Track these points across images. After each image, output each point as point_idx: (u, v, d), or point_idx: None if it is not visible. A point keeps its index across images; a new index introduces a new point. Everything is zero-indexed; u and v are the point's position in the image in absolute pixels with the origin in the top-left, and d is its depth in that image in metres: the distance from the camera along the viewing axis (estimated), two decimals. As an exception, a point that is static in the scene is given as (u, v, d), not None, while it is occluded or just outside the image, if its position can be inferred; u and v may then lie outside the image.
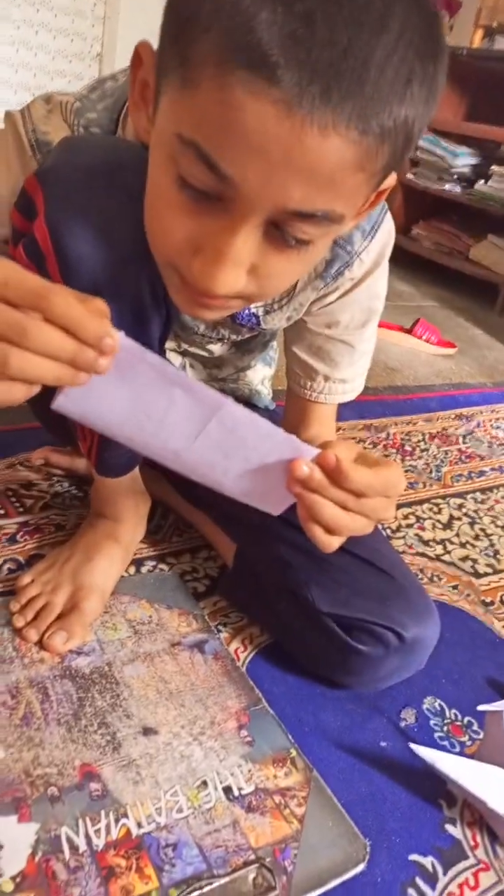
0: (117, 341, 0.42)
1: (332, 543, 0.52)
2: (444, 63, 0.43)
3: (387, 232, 0.70)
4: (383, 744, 0.70)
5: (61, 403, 0.47)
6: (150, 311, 0.62)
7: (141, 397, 0.47)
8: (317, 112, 0.39)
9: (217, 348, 0.83)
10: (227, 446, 0.50)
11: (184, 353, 0.86)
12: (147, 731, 0.66)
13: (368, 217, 0.66)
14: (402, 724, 0.73)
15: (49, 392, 0.82)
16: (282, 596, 0.74)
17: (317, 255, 0.54)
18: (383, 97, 0.40)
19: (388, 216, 0.70)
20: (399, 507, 1.15)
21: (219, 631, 0.80)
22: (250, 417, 0.49)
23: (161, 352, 0.71)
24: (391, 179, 0.51)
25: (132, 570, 0.87)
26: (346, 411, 1.49)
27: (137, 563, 0.88)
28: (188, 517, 0.97)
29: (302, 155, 0.40)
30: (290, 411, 0.82)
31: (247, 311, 0.73)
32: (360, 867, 0.58)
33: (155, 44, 0.48)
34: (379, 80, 0.39)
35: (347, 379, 0.77)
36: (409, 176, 2.91)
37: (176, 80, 0.43)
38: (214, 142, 0.42)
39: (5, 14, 3.16)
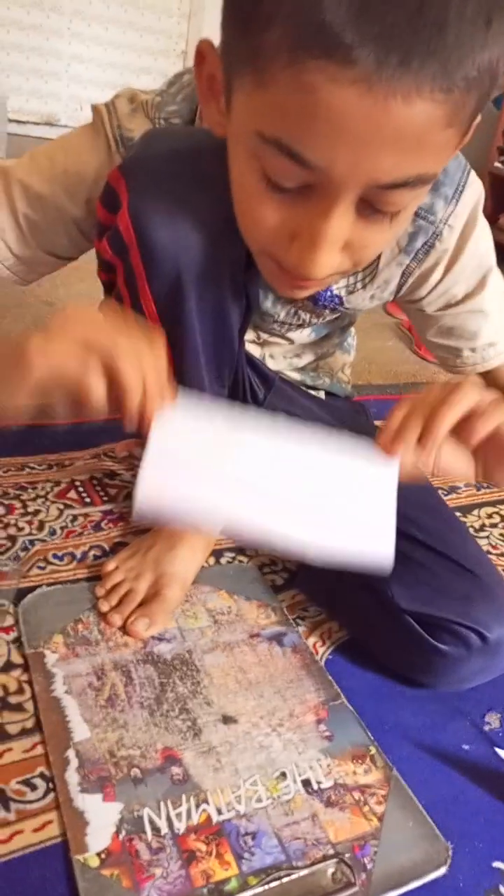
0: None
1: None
2: None
3: (473, 192, 0.66)
4: (466, 747, 0.69)
5: (140, 509, 0.47)
6: (228, 300, 0.62)
7: (210, 458, 0.47)
8: (398, 82, 0.38)
9: (297, 335, 0.82)
10: (309, 479, 0.49)
11: (263, 344, 0.86)
12: (227, 720, 0.66)
13: (450, 181, 0.64)
14: (486, 727, 0.71)
15: None
16: (361, 592, 0.73)
17: (408, 218, 0.53)
18: (464, 49, 0.38)
19: (472, 175, 0.66)
20: (482, 505, 1.12)
21: (297, 624, 0.80)
22: (318, 439, 0.49)
23: (241, 343, 0.71)
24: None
25: (211, 560, 0.88)
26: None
27: (216, 553, 0.89)
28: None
29: (388, 127, 0.39)
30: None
31: (328, 292, 0.72)
32: (442, 870, 0.57)
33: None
34: (459, 33, 0.37)
35: (496, 341, 0.73)
36: (497, 164, 2.81)
37: (248, 77, 0.43)
38: (297, 133, 0.41)
39: (96, 14, 3.24)
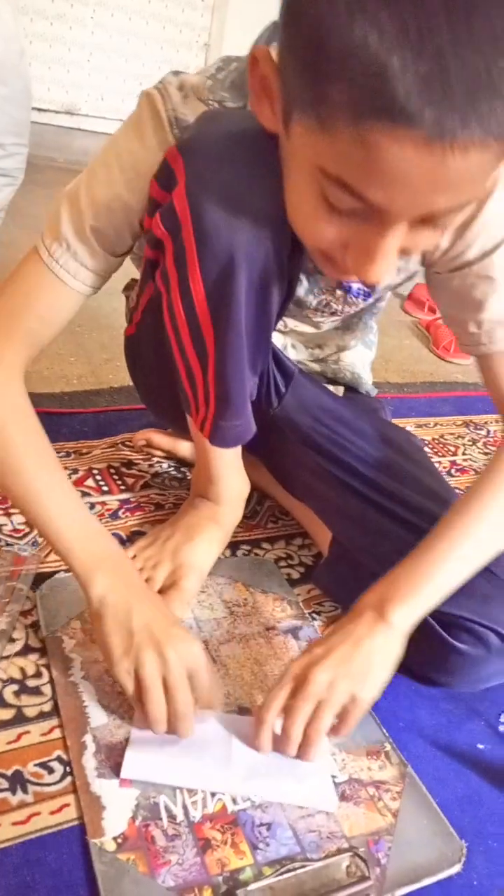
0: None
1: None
2: None
3: None
4: (481, 746, 0.68)
5: (127, 773, 0.59)
6: (273, 285, 0.62)
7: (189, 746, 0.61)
8: (458, 139, 0.40)
9: (325, 321, 0.83)
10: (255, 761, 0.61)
11: (286, 333, 0.86)
12: (242, 711, 0.67)
13: None
14: (502, 728, 0.71)
15: (155, 373, 0.84)
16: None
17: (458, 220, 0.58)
18: None
19: None
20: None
21: (313, 619, 0.80)
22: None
23: (274, 327, 0.71)
24: None
25: (228, 552, 0.88)
26: (444, 406, 1.46)
27: (233, 546, 0.89)
28: (285, 504, 0.98)
29: (445, 177, 0.42)
30: (483, 378, 0.76)
31: (356, 287, 0.74)
32: (456, 868, 0.57)
33: (260, 26, 0.51)
34: None
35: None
36: None
37: (309, 115, 0.44)
38: (359, 179, 0.44)
39: (120, 4, 3.24)
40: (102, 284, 0.72)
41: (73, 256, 0.68)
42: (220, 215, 0.56)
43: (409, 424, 1.34)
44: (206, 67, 0.66)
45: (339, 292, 0.76)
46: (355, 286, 0.75)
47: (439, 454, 1.26)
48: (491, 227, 0.68)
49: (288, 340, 0.89)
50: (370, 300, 0.79)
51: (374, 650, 0.61)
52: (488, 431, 1.37)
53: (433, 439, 1.31)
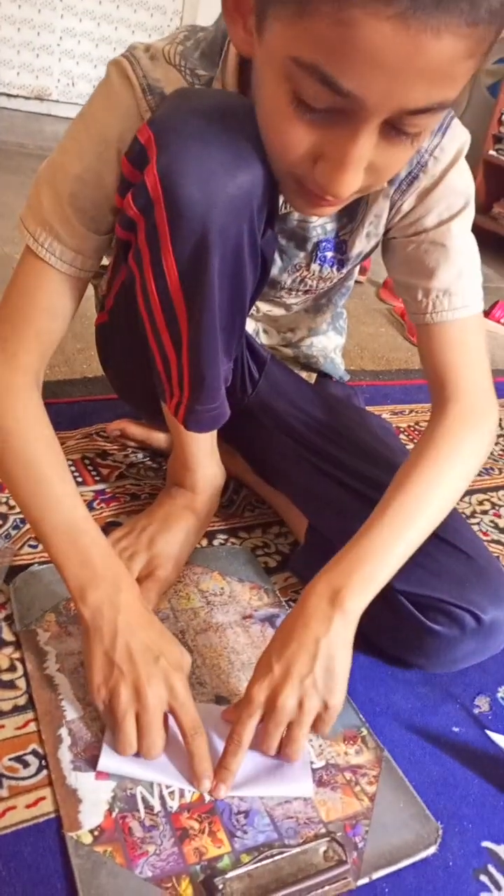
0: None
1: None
2: None
3: (460, 132, 0.67)
4: (456, 729, 0.69)
5: (103, 766, 0.59)
6: (246, 264, 0.62)
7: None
8: (430, 18, 0.41)
9: (297, 302, 0.83)
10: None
11: (258, 319, 0.86)
12: (220, 700, 0.67)
13: None
14: (476, 711, 0.72)
15: (129, 362, 0.83)
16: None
17: (426, 138, 0.60)
18: None
19: (456, 120, 0.67)
20: (474, 492, 1.13)
21: (290, 606, 0.80)
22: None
23: (249, 309, 0.70)
24: None
25: (204, 542, 0.87)
26: (419, 394, 1.47)
27: (210, 535, 0.89)
28: (261, 493, 0.98)
29: (419, 60, 0.43)
30: (420, 355, 0.76)
31: (330, 256, 0.74)
32: (432, 849, 0.57)
33: None
34: None
35: (451, 290, 0.70)
36: (492, 152, 2.81)
37: (283, 7, 0.45)
38: (335, 62, 0.44)
39: (88, -12, 3.18)
40: (97, 265, 0.70)
41: (57, 239, 0.66)
42: (193, 193, 0.56)
43: (384, 412, 1.34)
44: (172, 35, 0.65)
45: (313, 266, 0.76)
46: (329, 255, 0.75)
47: (414, 440, 1.27)
48: (450, 196, 0.69)
49: (259, 326, 0.89)
50: (344, 270, 0.79)
51: (333, 648, 0.60)
52: (463, 417, 1.38)
53: (408, 426, 1.31)
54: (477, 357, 0.73)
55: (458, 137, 0.67)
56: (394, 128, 0.48)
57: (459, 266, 0.71)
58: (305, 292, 0.80)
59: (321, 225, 0.72)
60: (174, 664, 0.60)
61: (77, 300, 0.71)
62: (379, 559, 0.63)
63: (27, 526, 0.84)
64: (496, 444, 1.30)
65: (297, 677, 0.58)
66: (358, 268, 0.85)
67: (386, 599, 0.70)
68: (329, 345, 0.95)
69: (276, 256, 0.74)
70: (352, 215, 0.72)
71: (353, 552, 0.64)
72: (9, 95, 3.26)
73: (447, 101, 0.47)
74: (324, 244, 0.74)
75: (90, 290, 0.84)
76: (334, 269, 0.77)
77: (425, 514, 0.66)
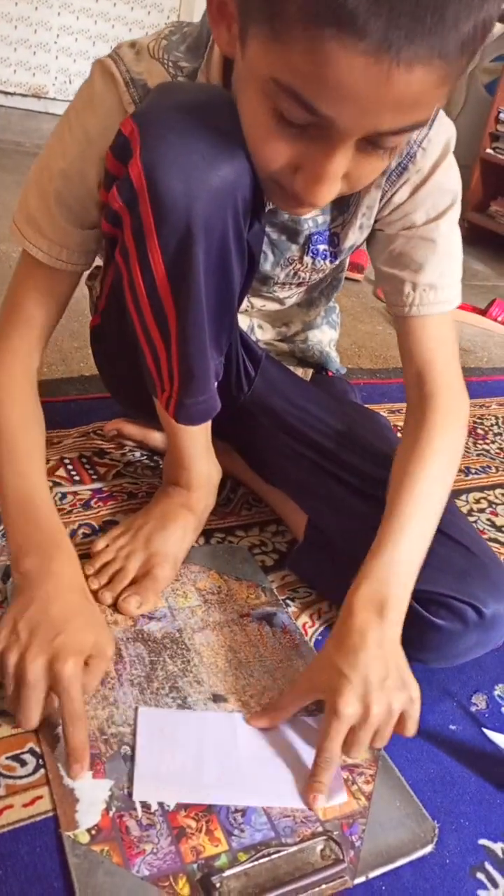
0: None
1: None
2: None
3: (447, 126, 0.69)
4: (452, 727, 0.69)
5: (139, 795, 0.57)
6: (232, 256, 0.62)
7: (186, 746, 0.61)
8: (402, 53, 0.42)
9: (291, 295, 0.83)
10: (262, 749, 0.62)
11: (252, 314, 0.86)
12: (217, 698, 0.67)
13: None
14: (473, 708, 0.72)
15: (122, 362, 0.83)
16: (354, 569, 0.73)
17: (401, 150, 0.63)
18: (461, 18, 0.42)
19: (442, 112, 0.68)
20: (470, 490, 1.13)
21: (287, 605, 0.80)
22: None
23: (240, 303, 0.71)
24: None
25: (202, 540, 0.87)
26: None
27: (206, 534, 0.89)
28: (258, 491, 0.98)
29: (390, 92, 0.44)
30: (400, 349, 0.78)
31: (322, 249, 0.76)
32: (429, 848, 0.57)
33: None
34: (458, 6, 0.42)
35: (436, 284, 0.73)
36: (489, 151, 2.81)
37: (265, 29, 0.46)
38: (310, 89, 0.46)
39: (85, -15, 3.17)
40: (88, 260, 0.74)
41: (43, 235, 0.70)
42: (176, 185, 0.56)
43: (382, 410, 1.34)
44: (159, 31, 0.66)
45: (306, 259, 0.76)
46: (321, 248, 0.76)
47: (412, 439, 1.26)
48: (440, 192, 0.71)
49: (254, 321, 0.89)
50: (336, 262, 0.80)
51: (396, 649, 0.63)
52: (460, 416, 1.38)
53: (406, 424, 1.31)
54: (453, 351, 0.77)
55: (446, 130, 0.68)
56: (370, 143, 0.50)
57: (445, 262, 0.73)
58: (298, 285, 0.81)
59: (312, 218, 0.73)
60: (76, 646, 0.58)
61: (66, 294, 0.75)
62: (406, 566, 0.66)
63: (24, 525, 0.84)
64: (493, 442, 1.30)
65: (378, 682, 0.59)
66: (348, 260, 0.86)
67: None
68: (324, 339, 0.95)
69: (268, 250, 0.75)
70: (343, 208, 0.73)
71: (380, 565, 0.66)
72: (5, 93, 3.25)
73: (421, 122, 0.49)
74: (316, 237, 0.75)
75: (85, 291, 0.85)
76: (327, 261, 0.77)
77: (434, 512, 0.69)
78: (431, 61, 0.43)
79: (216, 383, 0.75)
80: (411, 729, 0.61)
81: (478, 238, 2.60)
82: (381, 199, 0.71)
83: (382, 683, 0.59)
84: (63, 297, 0.75)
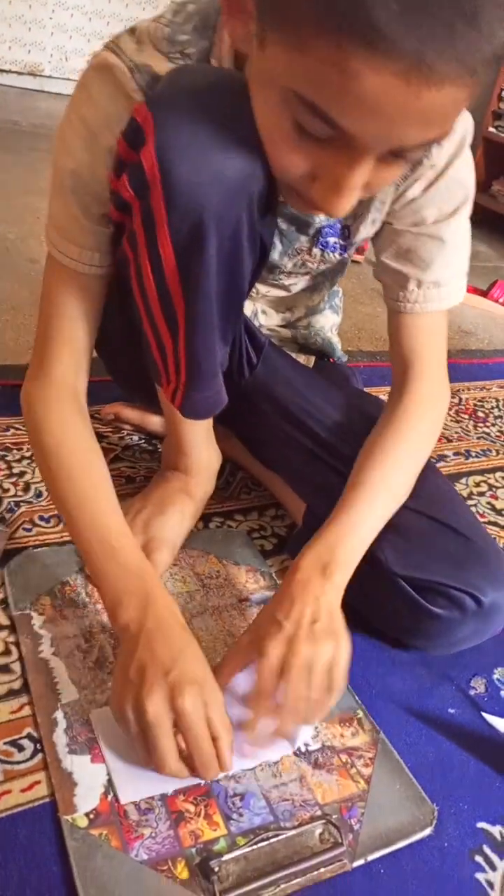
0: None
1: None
2: None
3: (464, 119, 0.66)
4: (452, 711, 0.69)
5: (128, 797, 0.56)
6: (244, 248, 0.60)
7: None
8: (433, 74, 0.40)
9: (297, 283, 0.82)
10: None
11: (256, 300, 0.85)
12: (215, 683, 0.66)
13: None
14: (472, 692, 0.72)
15: (122, 346, 0.82)
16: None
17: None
18: (493, 35, 0.40)
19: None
20: (470, 474, 1.12)
21: (286, 589, 0.80)
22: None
23: (247, 295, 0.70)
24: None
25: (200, 525, 0.87)
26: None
27: (205, 518, 0.88)
28: (257, 475, 0.97)
29: (418, 109, 0.43)
30: (391, 335, 0.77)
31: (333, 241, 0.75)
32: (428, 831, 0.57)
33: None
34: (490, 20, 0.40)
35: (441, 281, 0.72)
36: (491, 129, 2.77)
37: (287, 35, 0.44)
38: (334, 106, 0.44)
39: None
40: (112, 260, 0.70)
41: (70, 240, 0.67)
42: (191, 175, 0.54)
43: (382, 393, 1.33)
44: (161, 14, 0.63)
45: (315, 250, 0.75)
46: (332, 240, 0.74)
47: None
48: (454, 188, 0.69)
49: (258, 306, 0.87)
50: (346, 254, 0.78)
51: (333, 605, 0.63)
52: (460, 399, 1.38)
53: (406, 407, 1.30)
54: (442, 341, 0.77)
55: (462, 122, 0.66)
56: (392, 154, 0.48)
57: (453, 260, 0.72)
58: (305, 274, 0.79)
59: None
60: (190, 678, 0.56)
61: (100, 300, 0.72)
62: (357, 534, 0.67)
63: (21, 509, 0.83)
64: (493, 424, 1.29)
65: (307, 625, 0.60)
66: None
67: (384, 583, 0.70)
68: (326, 324, 0.94)
69: (277, 240, 0.73)
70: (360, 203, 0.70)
71: (333, 529, 0.67)
72: (1, 71, 3.20)
73: (446, 133, 0.48)
74: (326, 230, 0.74)
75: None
76: (336, 253, 0.76)
77: (391, 490, 0.70)
78: (462, 78, 0.42)
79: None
80: (338, 679, 0.60)
81: (480, 218, 2.57)
82: (394, 193, 0.70)
83: (311, 627, 0.60)
84: (98, 307, 0.72)
